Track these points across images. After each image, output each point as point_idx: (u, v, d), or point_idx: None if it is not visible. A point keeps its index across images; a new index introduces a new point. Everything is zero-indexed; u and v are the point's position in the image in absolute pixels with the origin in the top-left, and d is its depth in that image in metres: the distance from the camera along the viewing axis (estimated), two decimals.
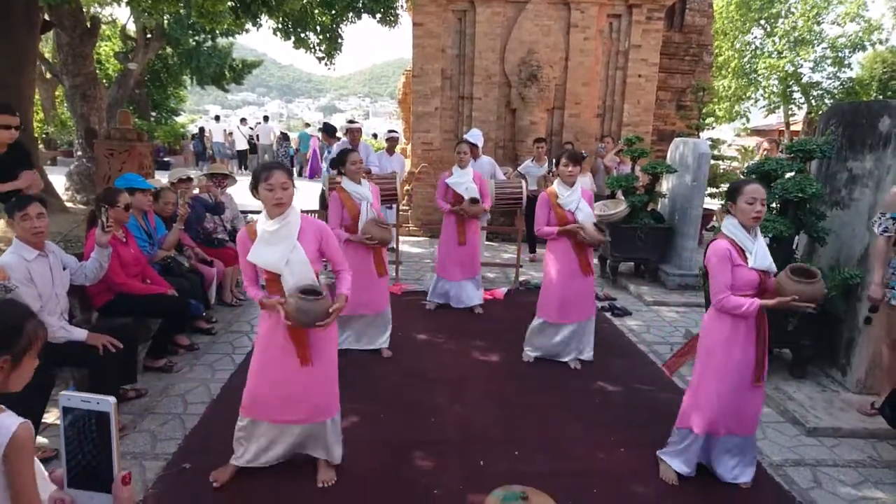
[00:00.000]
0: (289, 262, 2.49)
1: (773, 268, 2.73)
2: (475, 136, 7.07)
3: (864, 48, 20.03)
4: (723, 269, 2.68)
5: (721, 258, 2.68)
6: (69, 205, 8.67)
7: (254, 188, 2.50)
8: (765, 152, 9.12)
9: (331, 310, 2.48)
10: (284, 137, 17.75)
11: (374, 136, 19.82)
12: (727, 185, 2.87)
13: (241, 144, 18.42)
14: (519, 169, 7.69)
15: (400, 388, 3.87)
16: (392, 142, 7.41)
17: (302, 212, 2.63)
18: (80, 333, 3.08)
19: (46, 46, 15.88)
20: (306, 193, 9.47)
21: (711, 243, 2.77)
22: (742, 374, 2.75)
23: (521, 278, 6.60)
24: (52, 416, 3.01)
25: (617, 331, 5.21)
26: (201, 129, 18.98)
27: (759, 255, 2.68)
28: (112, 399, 0.74)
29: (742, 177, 6.11)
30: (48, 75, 16.47)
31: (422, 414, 3.52)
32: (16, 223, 2.94)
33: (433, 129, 8.73)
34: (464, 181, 5.14)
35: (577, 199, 3.99)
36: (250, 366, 2.71)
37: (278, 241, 2.48)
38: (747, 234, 2.71)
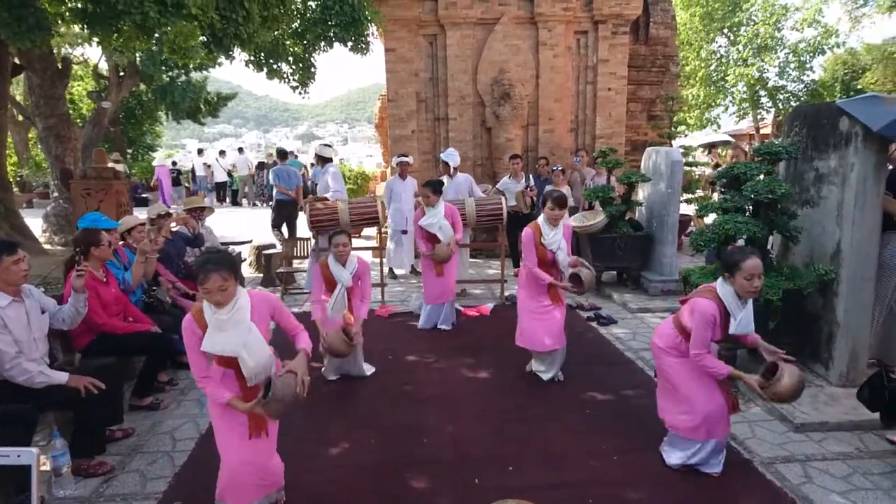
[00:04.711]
0: (246, 345, 2.44)
1: (752, 330, 2.94)
2: (450, 154, 7.19)
3: (823, 52, 20.67)
4: (705, 330, 2.85)
5: (706, 322, 2.84)
6: (47, 247, 8.56)
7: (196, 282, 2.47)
8: (732, 160, 9.31)
9: (298, 377, 2.44)
10: (260, 167, 17.78)
11: (342, 160, 19.97)
12: (727, 259, 2.95)
13: (221, 177, 18.42)
14: (497, 186, 7.78)
15: (390, 410, 3.85)
16: (403, 166, 7.42)
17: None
18: (61, 377, 3.02)
19: (17, 89, 15.80)
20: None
21: (701, 300, 2.90)
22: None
23: (507, 293, 6.63)
24: None
25: (603, 339, 5.25)
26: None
27: (743, 322, 2.87)
28: (34, 450, 0.70)
29: (713, 182, 6.25)
30: (20, 118, 16.34)
31: (413, 435, 3.50)
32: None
33: (411, 151, 8.79)
34: (436, 220, 5.35)
35: (560, 240, 4.13)
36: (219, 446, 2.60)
37: (233, 326, 2.43)
38: (738, 303, 2.87)
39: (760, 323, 4.05)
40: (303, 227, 7.93)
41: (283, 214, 9.03)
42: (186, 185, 18.08)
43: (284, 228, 9.08)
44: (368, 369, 4.44)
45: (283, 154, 9.92)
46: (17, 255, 2.96)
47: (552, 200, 4.10)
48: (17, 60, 8.41)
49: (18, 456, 0.69)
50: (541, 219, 4.20)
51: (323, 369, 4.35)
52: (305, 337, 2.67)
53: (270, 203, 9.61)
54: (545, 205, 4.14)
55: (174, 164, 19.30)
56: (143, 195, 16.89)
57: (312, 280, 4.29)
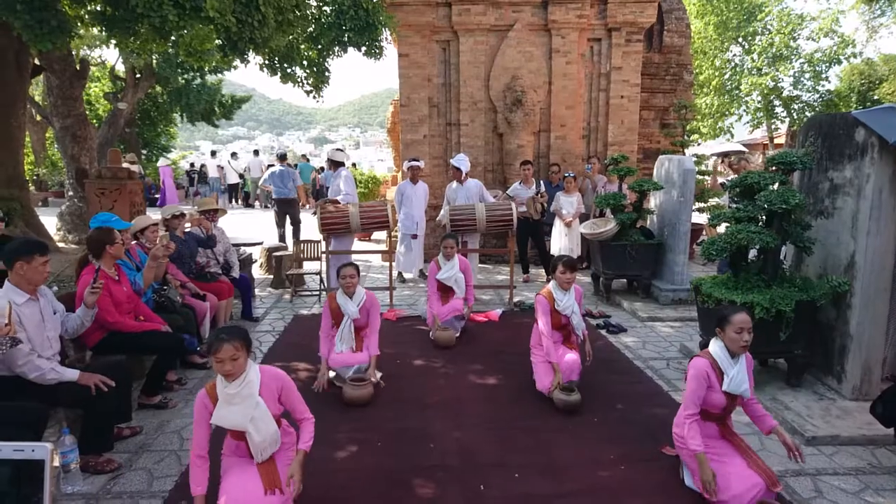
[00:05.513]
0: (253, 419, 2.49)
1: (747, 394, 2.87)
2: (460, 160, 7.21)
3: (839, 62, 20.50)
4: (697, 387, 2.84)
5: (698, 377, 2.83)
6: (61, 245, 8.67)
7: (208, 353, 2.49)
8: (733, 174, 9.24)
9: (289, 477, 2.49)
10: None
11: (354, 164, 20.10)
12: (718, 314, 2.94)
13: (233, 178, 18.59)
14: (508, 192, 7.79)
15: (397, 415, 3.85)
16: (414, 170, 7.47)
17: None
18: (72, 374, 3.05)
19: (36, 89, 16.05)
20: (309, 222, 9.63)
21: (695, 358, 2.92)
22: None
23: (515, 299, 6.61)
24: None
25: (612, 348, 5.22)
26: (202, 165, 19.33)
27: (736, 380, 2.83)
28: (48, 445, 0.70)
29: (724, 190, 6.20)
30: (38, 118, 16.60)
31: (420, 440, 3.49)
32: (23, 266, 2.95)
33: (423, 155, 8.82)
34: (452, 273, 5.38)
35: (573, 304, 4.15)
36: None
37: (241, 401, 2.48)
38: (730, 359, 2.86)
39: (773, 334, 4.03)
40: (311, 230, 7.98)
41: (282, 212, 9.39)
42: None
43: (289, 226, 9.29)
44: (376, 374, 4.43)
45: (282, 157, 10.33)
46: (46, 256, 3.05)
47: (562, 264, 4.11)
48: (36, 61, 8.54)
49: (33, 451, 0.69)
50: (552, 284, 4.20)
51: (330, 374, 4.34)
52: (309, 431, 2.65)
53: (271, 204, 9.95)
54: (555, 269, 4.14)
55: (192, 165, 19.53)
56: (157, 196, 17.07)
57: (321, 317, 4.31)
